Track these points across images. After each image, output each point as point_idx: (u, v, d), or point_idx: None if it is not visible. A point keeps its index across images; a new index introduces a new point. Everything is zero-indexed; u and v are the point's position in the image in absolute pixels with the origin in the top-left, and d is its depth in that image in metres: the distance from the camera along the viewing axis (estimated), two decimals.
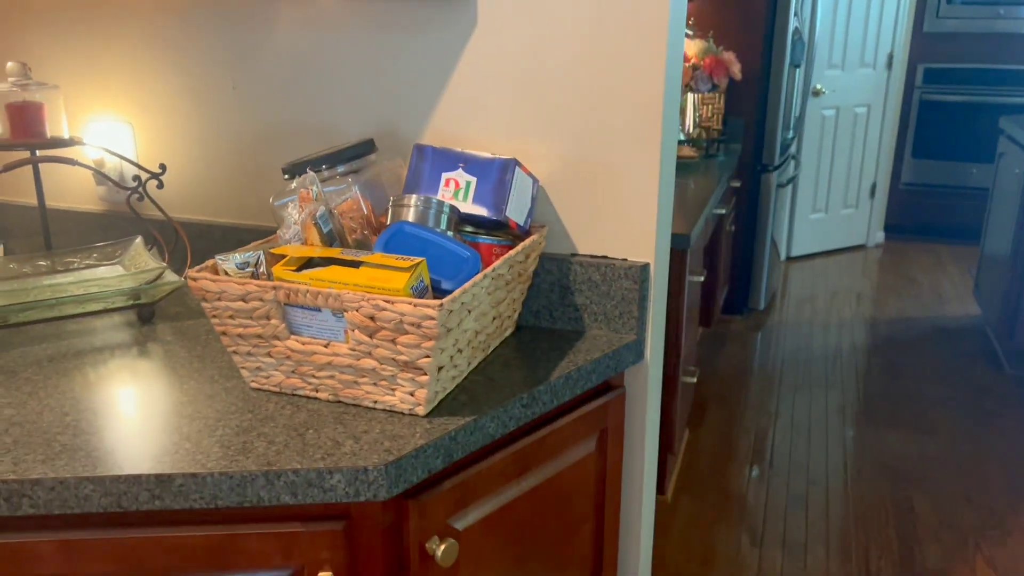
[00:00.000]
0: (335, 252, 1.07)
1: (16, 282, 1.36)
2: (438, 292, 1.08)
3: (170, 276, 1.38)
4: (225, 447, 1.01)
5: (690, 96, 3.75)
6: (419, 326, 1.00)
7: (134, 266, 1.43)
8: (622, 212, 1.32)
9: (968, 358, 3.94)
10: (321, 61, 1.42)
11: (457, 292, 1.02)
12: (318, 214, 1.08)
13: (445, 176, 1.25)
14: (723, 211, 3.38)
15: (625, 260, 1.33)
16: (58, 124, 1.42)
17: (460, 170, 1.25)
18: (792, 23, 4.03)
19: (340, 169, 1.24)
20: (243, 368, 1.15)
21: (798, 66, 4.27)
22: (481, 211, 1.23)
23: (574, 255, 1.36)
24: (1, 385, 1.17)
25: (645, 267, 1.32)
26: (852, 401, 3.51)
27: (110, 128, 1.57)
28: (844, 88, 5.20)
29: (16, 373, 1.21)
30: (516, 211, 1.26)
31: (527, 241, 1.24)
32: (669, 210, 1.37)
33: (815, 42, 4.60)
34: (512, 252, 1.19)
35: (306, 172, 1.20)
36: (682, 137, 3.73)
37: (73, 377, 1.20)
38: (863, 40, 5.18)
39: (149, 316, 1.39)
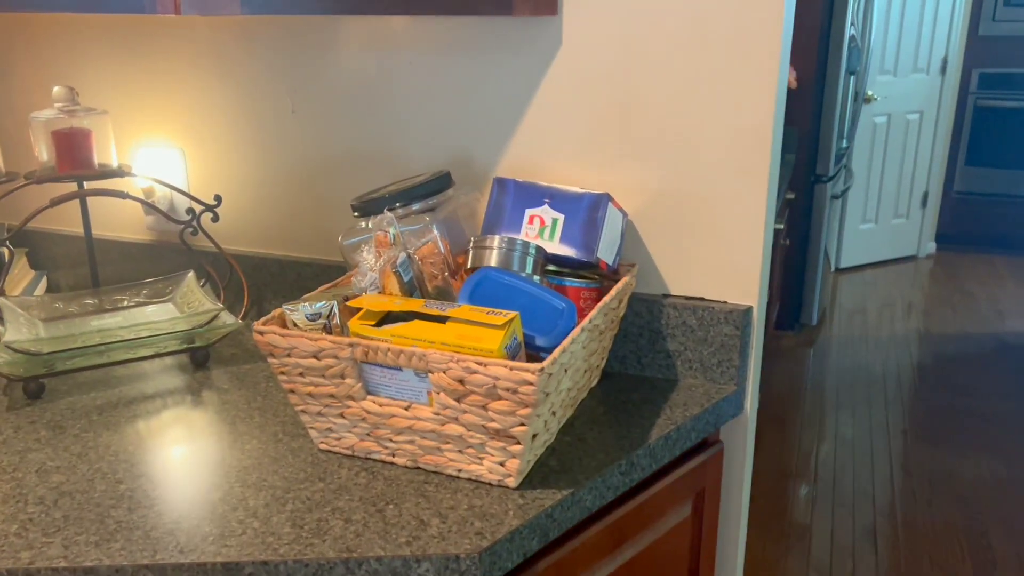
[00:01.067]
0: (417, 304, 0.95)
1: (63, 324, 1.26)
2: (531, 349, 0.97)
3: (226, 317, 1.28)
4: (298, 526, 0.90)
5: None
6: (515, 392, 0.88)
7: (187, 304, 1.33)
8: (722, 249, 1.19)
9: None
10: (388, 85, 1.31)
11: (557, 352, 0.91)
12: (399, 262, 0.97)
13: (529, 213, 1.14)
14: (780, 225, 3.25)
15: (725, 303, 1.21)
16: (106, 151, 1.33)
17: (546, 206, 1.13)
18: (848, 30, 3.88)
19: (415, 207, 1.13)
20: (311, 428, 1.04)
21: (854, 73, 4.12)
22: (570, 252, 1.11)
23: (666, 296, 1.24)
24: (49, 444, 1.07)
25: (747, 311, 1.19)
26: (913, 421, 3.34)
27: (160, 155, 1.48)
28: (896, 94, 5.02)
29: (64, 428, 1.11)
30: (606, 250, 1.14)
31: (620, 284, 1.12)
32: (769, 244, 1.25)
33: (870, 47, 4.44)
34: (607, 299, 1.07)
35: (381, 211, 1.09)
36: None
37: (125, 432, 1.10)
38: (916, 44, 5.00)
39: (204, 360, 1.29)
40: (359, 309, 0.97)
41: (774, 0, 1.08)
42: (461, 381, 0.90)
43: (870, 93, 4.89)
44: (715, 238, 1.19)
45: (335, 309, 0.99)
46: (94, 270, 1.37)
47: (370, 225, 1.02)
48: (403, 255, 0.98)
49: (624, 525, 1.07)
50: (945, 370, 3.85)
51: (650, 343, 1.24)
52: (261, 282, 1.46)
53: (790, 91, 3.85)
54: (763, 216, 1.16)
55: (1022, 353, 4.06)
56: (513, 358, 0.92)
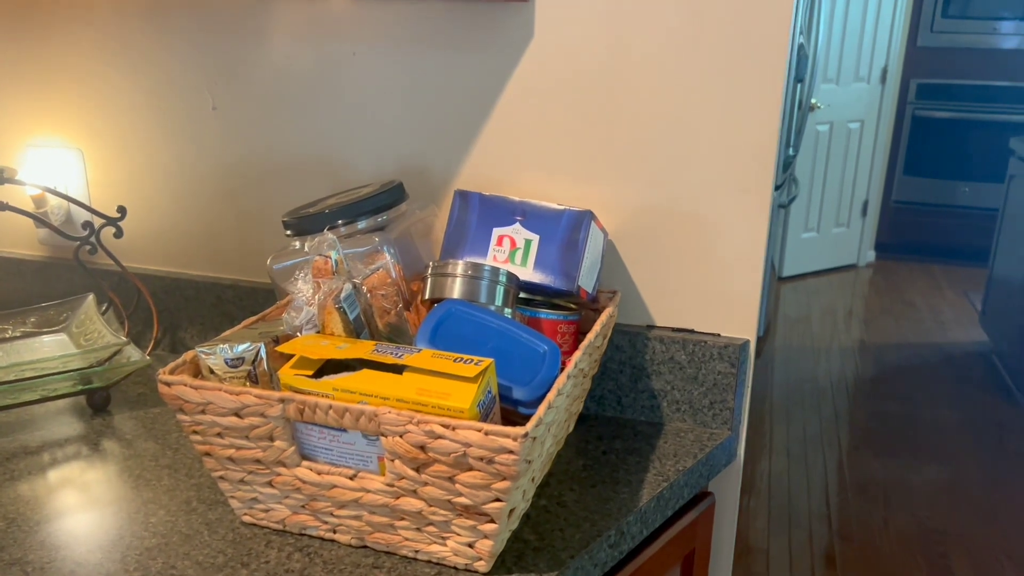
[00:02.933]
0: (366, 349, 0.77)
1: None
2: (506, 403, 0.79)
3: (132, 352, 1.07)
4: None
5: None
6: (491, 461, 0.71)
7: (83, 336, 1.12)
8: (715, 276, 1.04)
9: (977, 388, 3.74)
10: (328, 80, 1.12)
11: (542, 410, 0.73)
12: (343, 295, 0.79)
13: (497, 232, 0.96)
14: None
15: (718, 336, 1.05)
16: None
17: (517, 224, 0.96)
18: (798, 39, 3.80)
19: (361, 224, 0.94)
20: (232, 497, 0.84)
21: (801, 81, 4.05)
22: (546, 279, 0.94)
23: (651, 327, 1.08)
24: None
25: (744, 346, 1.04)
26: (857, 432, 3.27)
27: (55, 156, 1.25)
28: (838, 103, 5.00)
29: None
30: (587, 277, 0.97)
31: (603, 317, 0.95)
32: (769, 272, 1.10)
33: (817, 55, 4.39)
34: (591, 336, 0.90)
35: (319, 229, 0.90)
36: None
37: None
38: (858, 53, 4.99)
39: (104, 403, 1.08)
40: (293, 356, 0.78)
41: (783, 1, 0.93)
42: (422, 447, 0.72)
43: (814, 101, 4.85)
44: (708, 263, 1.04)
45: (262, 354, 0.80)
46: None
47: (306, 248, 0.83)
48: (348, 287, 0.79)
49: None
50: (888, 380, 3.80)
51: (632, 381, 1.08)
52: (174, 307, 1.24)
53: None
54: (763, 240, 1.01)
55: (963, 362, 4.05)
56: (487, 417, 0.75)
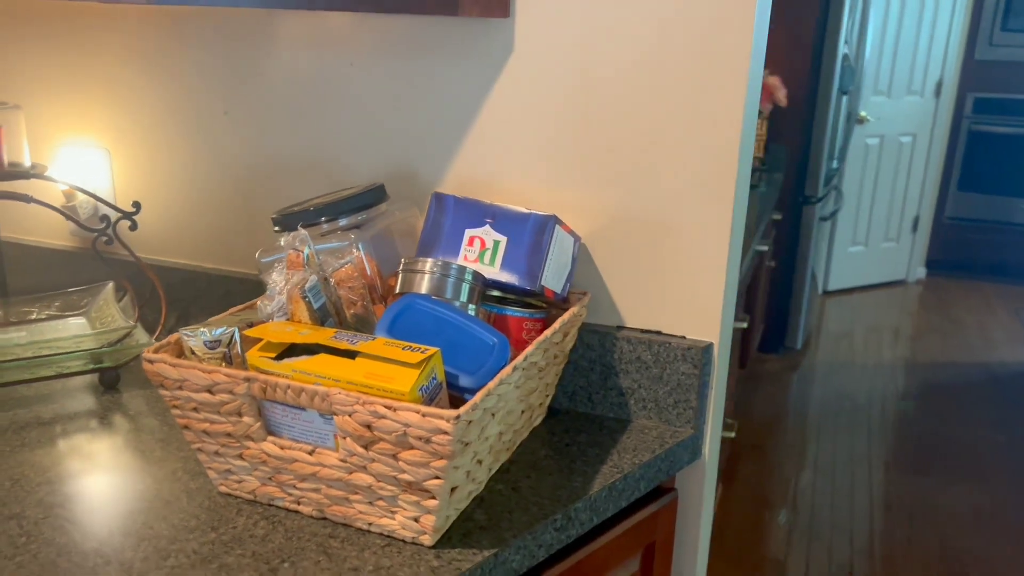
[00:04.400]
0: (325, 335, 0.84)
1: None
2: (454, 391, 0.85)
3: (140, 336, 1.17)
4: None
5: None
6: (428, 441, 0.77)
7: (100, 320, 1.22)
8: (682, 280, 1.08)
9: (1022, 410, 3.66)
10: (329, 88, 1.20)
11: (479, 396, 0.79)
12: (308, 286, 0.86)
13: (469, 234, 1.03)
14: (765, 247, 3.14)
15: (683, 338, 1.10)
16: (18, 150, 1.21)
17: (488, 226, 1.02)
18: (842, 49, 3.79)
19: (342, 222, 1.02)
20: (210, 468, 0.92)
21: (846, 93, 4.03)
22: (512, 279, 1.00)
23: (620, 328, 1.13)
24: None
25: (708, 348, 1.08)
26: (896, 451, 3.24)
27: (85, 155, 1.36)
28: (889, 116, 4.93)
29: None
30: (553, 277, 1.03)
31: (566, 316, 1.01)
32: (736, 276, 1.14)
33: (863, 68, 4.35)
34: (548, 332, 0.96)
35: (302, 225, 0.98)
36: None
37: (7, 465, 0.98)
38: (911, 67, 4.92)
39: (113, 382, 1.17)
40: (261, 339, 0.86)
41: (744, 15, 0.97)
42: (368, 426, 0.79)
43: (863, 114, 4.80)
44: (675, 267, 1.08)
45: (236, 337, 0.88)
46: (3, 278, 1.26)
47: (282, 243, 0.91)
48: (314, 278, 0.87)
49: None
50: (931, 399, 3.75)
51: (602, 379, 1.13)
52: (187, 298, 1.34)
53: (779, 109, 3.76)
54: (727, 246, 1.05)
55: (1010, 383, 3.97)
56: (431, 401, 0.81)
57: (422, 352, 0.81)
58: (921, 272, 5.50)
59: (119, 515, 0.89)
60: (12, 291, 1.31)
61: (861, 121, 4.82)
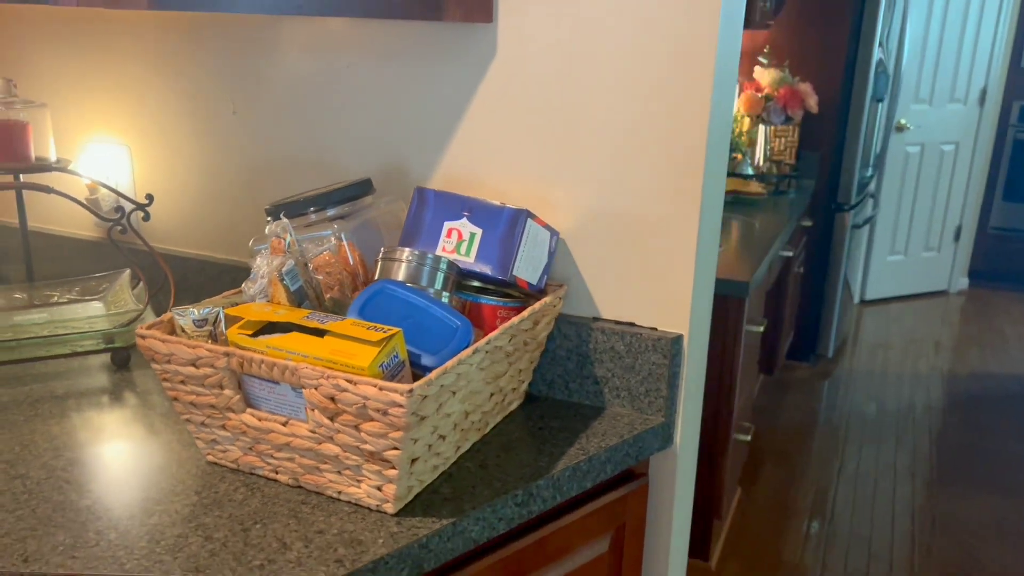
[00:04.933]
0: (299, 315, 0.91)
1: None
2: (417, 369, 0.92)
3: (150, 318, 1.25)
4: (154, 541, 0.85)
5: (761, 128, 3.52)
6: (385, 413, 0.83)
7: (115, 304, 1.31)
8: (653, 274, 1.13)
9: None
10: (327, 89, 1.28)
11: (435, 374, 0.85)
12: (285, 269, 0.93)
13: (448, 226, 1.09)
14: (790, 253, 3.15)
15: (654, 330, 1.14)
16: (44, 145, 1.31)
17: (465, 219, 1.08)
18: (876, 54, 3.77)
19: (330, 212, 1.09)
20: (198, 439, 1.00)
21: (881, 100, 4.00)
22: (485, 269, 1.06)
23: (596, 319, 1.18)
24: None
25: (677, 339, 1.13)
26: (927, 462, 3.21)
27: (107, 151, 1.46)
28: (931, 124, 4.87)
29: None
30: (527, 268, 1.08)
31: (536, 305, 1.07)
32: (711, 272, 1.18)
33: (901, 75, 4.32)
34: (516, 319, 1.01)
35: (292, 215, 1.05)
36: (750, 171, 3.50)
37: (18, 432, 1.07)
38: (954, 74, 4.86)
39: (124, 361, 1.26)
40: (241, 318, 0.93)
41: (709, 26, 1.02)
42: (332, 399, 0.86)
43: (903, 121, 4.76)
44: (646, 262, 1.13)
45: (220, 316, 0.95)
46: (28, 264, 1.36)
47: (267, 231, 0.98)
48: (291, 262, 0.94)
49: (523, 559, 1.01)
50: (964, 410, 3.70)
51: (578, 367, 1.19)
52: (197, 285, 1.43)
53: (811, 116, 3.75)
54: (694, 242, 1.10)
55: None
56: (393, 378, 0.87)
57: (384, 332, 0.87)
58: (963, 283, 5.41)
59: (114, 479, 0.97)
60: (37, 276, 1.41)
61: (901, 129, 4.77)
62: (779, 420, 3.56)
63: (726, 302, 2.29)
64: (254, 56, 1.32)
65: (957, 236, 5.24)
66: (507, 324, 1.00)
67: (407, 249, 1.03)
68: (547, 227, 1.12)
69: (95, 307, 1.30)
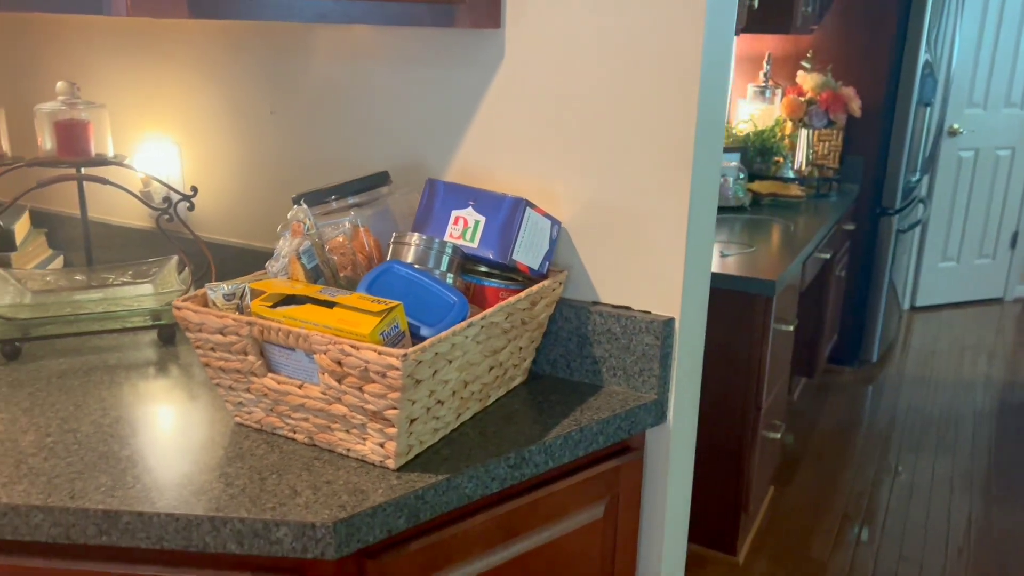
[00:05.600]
0: (314, 290, 1.02)
1: (46, 295, 1.38)
2: (417, 339, 1.02)
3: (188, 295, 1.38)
4: (182, 486, 0.97)
5: (803, 132, 3.55)
6: (384, 375, 0.94)
7: (163, 286, 1.44)
8: (647, 261, 1.21)
9: None
10: (354, 91, 1.39)
11: (429, 342, 0.95)
12: (302, 249, 1.04)
13: (455, 214, 1.19)
14: (828, 255, 3.17)
15: (648, 313, 1.23)
16: (103, 142, 1.45)
17: (470, 208, 1.18)
18: (922, 58, 3.76)
19: (350, 201, 1.20)
20: (227, 402, 1.12)
21: (928, 104, 3.98)
22: (487, 253, 1.16)
23: (595, 303, 1.27)
24: (4, 399, 1.19)
25: (669, 322, 1.21)
26: (968, 470, 3.19)
27: (160, 148, 1.60)
28: (985, 128, 4.81)
29: (24, 386, 1.23)
30: (528, 254, 1.18)
31: (534, 288, 1.16)
32: (705, 262, 1.26)
33: (951, 78, 4.28)
34: (512, 299, 1.11)
35: (317, 203, 1.16)
36: (791, 175, 3.53)
37: (73, 395, 1.20)
38: (1010, 78, 4.79)
39: (170, 336, 1.39)
40: (264, 291, 1.04)
41: (694, 33, 1.10)
42: (339, 363, 0.96)
43: (955, 126, 4.71)
44: (641, 250, 1.21)
45: (247, 291, 1.06)
46: (89, 250, 1.50)
47: (288, 215, 1.10)
48: (307, 243, 1.05)
49: (517, 518, 1.10)
50: (1010, 419, 3.65)
51: (578, 348, 1.27)
52: (237, 271, 1.55)
53: (855, 120, 3.76)
54: (684, 233, 1.18)
55: None
56: (394, 346, 0.98)
57: (385, 304, 0.97)
58: (1021, 290, 5.31)
59: (153, 435, 1.09)
60: (96, 261, 1.55)
61: (953, 133, 4.73)
62: (818, 422, 3.57)
63: (753, 300, 2.35)
64: (290, 61, 1.44)
65: (1014, 243, 5.15)
66: (504, 303, 1.09)
67: (416, 234, 1.14)
68: (548, 216, 1.21)
69: (145, 288, 1.43)
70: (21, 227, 1.62)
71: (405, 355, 0.92)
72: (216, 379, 1.10)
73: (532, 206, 1.17)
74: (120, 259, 1.67)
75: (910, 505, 2.94)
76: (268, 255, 1.53)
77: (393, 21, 1.15)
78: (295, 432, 1.08)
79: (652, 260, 1.21)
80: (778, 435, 2.67)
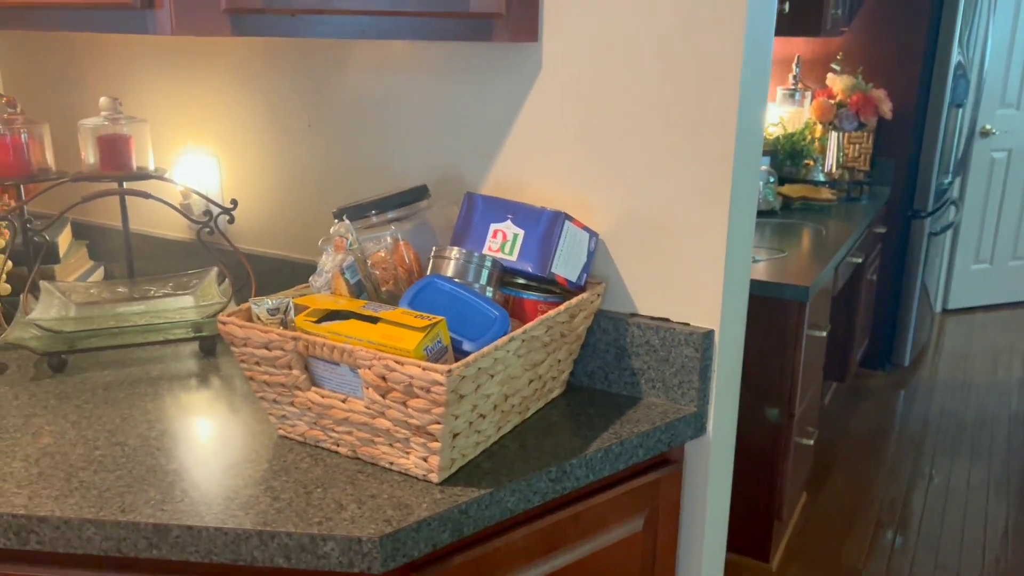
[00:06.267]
0: (357, 305, 1.03)
1: (91, 308, 1.41)
2: (459, 353, 1.02)
3: (233, 310, 1.39)
4: (229, 499, 0.98)
5: (833, 135, 3.53)
6: (428, 391, 0.94)
7: (203, 298, 1.46)
8: (686, 273, 1.21)
9: None
10: (390, 104, 1.40)
11: (472, 357, 0.96)
12: (346, 264, 1.05)
13: (493, 227, 1.20)
14: (860, 259, 3.15)
15: (687, 325, 1.22)
16: (144, 156, 1.47)
17: (509, 221, 1.19)
18: (954, 59, 3.72)
19: (390, 215, 1.21)
20: (270, 415, 1.13)
21: (960, 106, 3.94)
22: (526, 266, 1.17)
23: (633, 315, 1.27)
24: (52, 411, 1.21)
25: (708, 334, 1.20)
26: (1004, 476, 3.15)
27: (199, 161, 1.62)
28: (1018, 129, 4.75)
29: (70, 399, 1.25)
30: (566, 267, 1.18)
31: (574, 300, 1.16)
32: (743, 272, 1.26)
33: (983, 78, 4.23)
34: (552, 312, 1.11)
35: (356, 218, 1.17)
36: (821, 178, 3.51)
37: (119, 407, 1.22)
38: None
39: (211, 348, 1.41)
40: (308, 307, 1.05)
41: (734, 35, 1.10)
42: (383, 378, 0.97)
43: (988, 127, 4.65)
44: (679, 261, 1.21)
45: (291, 306, 1.08)
46: (130, 262, 1.52)
47: (331, 231, 1.11)
48: (351, 258, 1.06)
49: (558, 532, 1.11)
50: None
51: (616, 360, 1.27)
52: (276, 283, 1.57)
53: (886, 122, 3.73)
54: (724, 242, 1.17)
55: None
56: (438, 360, 0.98)
57: (429, 320, 0.98)
58: None
59: (198, 448, 1.11)
60: (137, 273, 1.57)
61: (985, 134, 4.67)
62: (850, 427, 3.54)
63: (787, 306, 2.34)
64: (327, 75, 1.45)
65: None
66: (544, 316, 1.09)
67: (455, 248, 1.14)
68: (586, 228, 1.22)
69: (186, 300, 1.45)
70: (64, 239, 1.65)
71: (449, 371, 0.92)
72: (260, 392, 1.11)
73: (570, 219, 1.18)
74: (160, 271, 1.69)
75: (945, 511, 2.91)
76: (305, 267, 1.55)
77: (431, 36, 1.16)
78: (338, 445, 1.09)
79: (691, 271, 1.21)
80: (811, 441, 2.65)
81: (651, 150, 1.19)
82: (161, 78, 1.66)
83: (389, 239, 1.12)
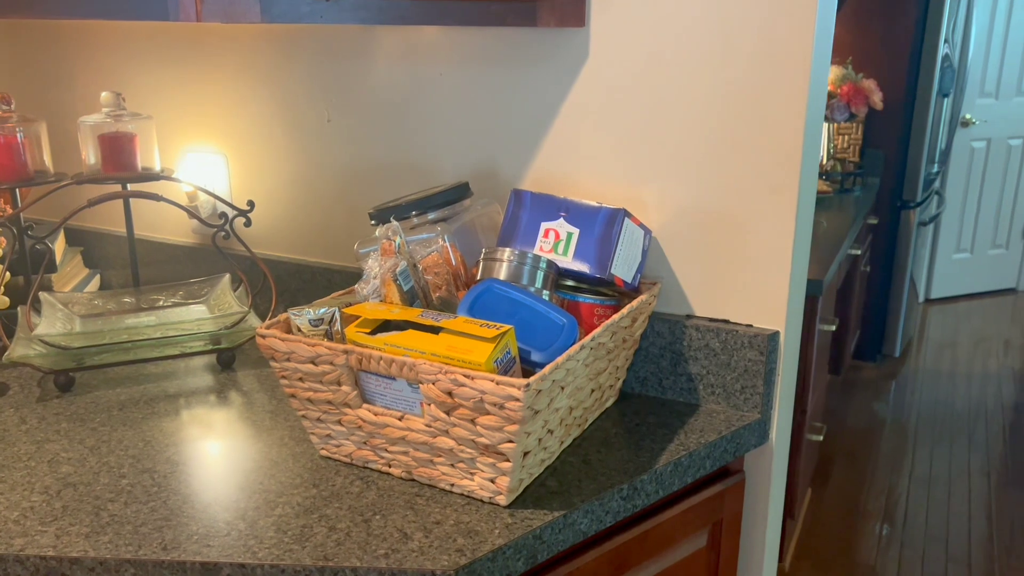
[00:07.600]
0: (414, 314, 0.94)
1: (99, 321, 1.30)
2: (527, 364, 0.94)
3: (253, 320, 1.30)
4: (281, 531, 0.89)
5: (825, 126, 3.49)
6: (502, 407, 0.86)
7: (218, 307, 1.36)
8: (748, 271, 1.14)
9: None
10: (419, 96, 1.31)
11: (548, 369, 0.88)
12: (398, 270, 0.96)
13: (544, 226, 1.11)
14: (858, 251, 3.12)
15: (750, 326, 1.16)
16: (150, 155, 1.37)
17: (561, 220, 1.11)
18: (942, 49, 3.71)
19: (431, 216, 1.12)
20: (312, 434, 1.04)
21: (947, 95, 3.93)
22: (583, 268, 1.09)
23: (690, 317, 1.19)
24: (66, 436, 1.10)
25: (774, 336, 1.14)
26: (999, 463, 3.14)
27: (205, 160, 1.52)
28: (997, 118, 4.77)
29: (84, 421, 1.14)
30: (623, 267, 1.10)
31: (634, 303, 1.08)
32: (804, 269, 1.19)
33: (966, 69, 4.23)
34: (616, 317, 1.03)
35: (400, 218, 1.09)
36: None
37: (139, 429, 1.12)
38: (1022, 67, 4.75)
39: (230, 361, 1.31)
40: (358, 316, 0.97)
41: (805, 15, 1.03)
42: (450, 393, 0.89)
43: (968, 116, 4.67)
44: (741, 259, 1.14)
45: (336, 315, 0.99)
46: (135, 270, 1.42)
47: (376, 234, 1.02)
48: (403, 264, 0.97)
49: (626, 552, 1.03)
50: None
51: (672, 365, 1.20)
52: (294, 288, 1.47)
53: (875, 113, 3.71)
54: (791, 237, 1.11)
55: None
56: (506, 373, 0.90)
57: (497, 329, 0.90)
58: None
59: (233, 472, 1.01)
60: (143, 281, 1.47)
61: (966, 124, 4.68)
62: (847, 420, 3.52)
63: None
64: (347, 65, 1.36)
65: None
66: (609, 321, 1.02)
67: (508, 249, 1.06)
68: (641, 225, 1.14)
69: (199, 310, 1.35)
70: (58, 247, 1.54)
71: (527, 385, 0.84)
72: (302, 410, 1.02)
73: (629, 216, 1.10)
74: (160, 278, 1.59)
75: (950, 503, 2.89)
76: (324, 271, 1.45)
77: (474, 21, 1.08)
78: (391, 466, 1.00)
79: (753, 269, 1.14)
80: (820, 437, 2.61)
81: (711, 141, 1.12)
82: (161, 72, 1.55)
83: (440, 242, 1.04)
